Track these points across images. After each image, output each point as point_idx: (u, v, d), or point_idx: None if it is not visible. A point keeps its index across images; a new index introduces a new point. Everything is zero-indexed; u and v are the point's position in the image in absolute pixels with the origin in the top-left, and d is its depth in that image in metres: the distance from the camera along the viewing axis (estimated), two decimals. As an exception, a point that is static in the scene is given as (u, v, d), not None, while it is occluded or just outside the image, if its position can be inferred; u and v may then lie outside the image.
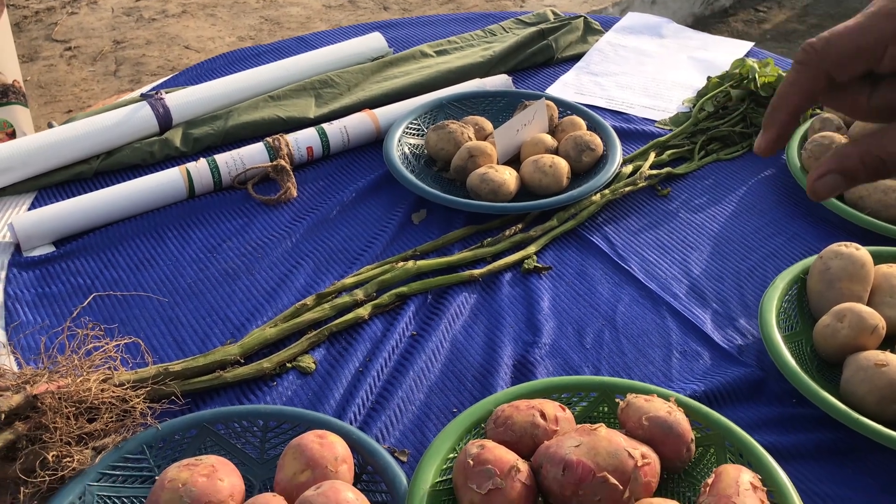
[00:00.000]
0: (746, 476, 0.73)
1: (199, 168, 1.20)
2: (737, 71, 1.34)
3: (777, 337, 0.91)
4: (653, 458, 0.76)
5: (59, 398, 0.80)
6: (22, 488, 0.76)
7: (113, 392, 0.83)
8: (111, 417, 0.82)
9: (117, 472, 0.79)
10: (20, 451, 0.78)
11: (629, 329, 0.98)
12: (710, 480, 0.73)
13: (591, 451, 0.74)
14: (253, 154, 1.23)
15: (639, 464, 0.74)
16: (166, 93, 1.32)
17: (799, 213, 1.16)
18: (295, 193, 1.21)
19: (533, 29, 1.58)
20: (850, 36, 0.51)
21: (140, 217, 1.16)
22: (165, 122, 1.31)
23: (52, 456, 0.77)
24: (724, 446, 0.79)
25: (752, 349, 0.95)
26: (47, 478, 0.76)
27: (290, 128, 1.33)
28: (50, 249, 1.12)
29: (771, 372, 0.91)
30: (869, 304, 0.94)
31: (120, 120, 1.28)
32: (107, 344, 0.87)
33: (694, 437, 0.79)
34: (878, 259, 1.00)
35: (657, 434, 0.78)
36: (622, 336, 0.97)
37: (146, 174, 1.22)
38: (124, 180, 1.23)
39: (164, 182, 1.18)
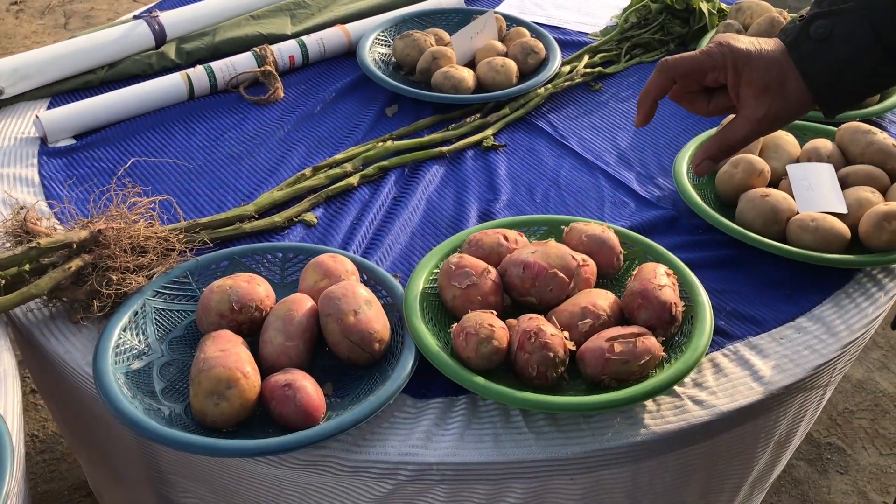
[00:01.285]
0: (662, 268, 0.96)
1: (197, 73, 1.37)
2: (654, -11, 1.57)
3: (687, 183, 1.15)
4: (591, 262, 0.99)
5: (117, 235, 0.98)
6: (95, 301, 0.95)
7: (157, 233, 1.02)
8: (157, 254, 1.01)
9: (167, 292, 0.98)
10: (88, 277, 0.97)
11: (570, 187, 1.21)
12: (634, 273, 0.97)
13: (544, 256, 0.96)
14: (243, 61, 1.41)
15: (580, 264, 0.97)
16: (161, 12, 1.48)
17: (707, 102, 1.40)
18: (282, 94, 1.40)
19: (480, -41, 1.78)
20: (688, 61, 0.85)
21: (149, 115, 1.34)
22: (161, 38, 1.47)
23: (115, 279, 0.96)
24: (645, 258, 1.03)
25: (668, 198, 1.19)
26: (113, 294, 0.95)
27: (270, 42, 1.51)
28: (71, 142, 1.29)
29: (683, 212, 1.15)
30: (759, 156, 1.18)
31: (121, 36, 1.44)
32: (144, 201, 1.05)
33: (621, 252, 1.02)
34: (767, 128, 1.24)
35: (593, 246, 1.01)
36: (564, 193, 1.20)
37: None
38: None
39: (169, 85, 1.35)
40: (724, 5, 1.58)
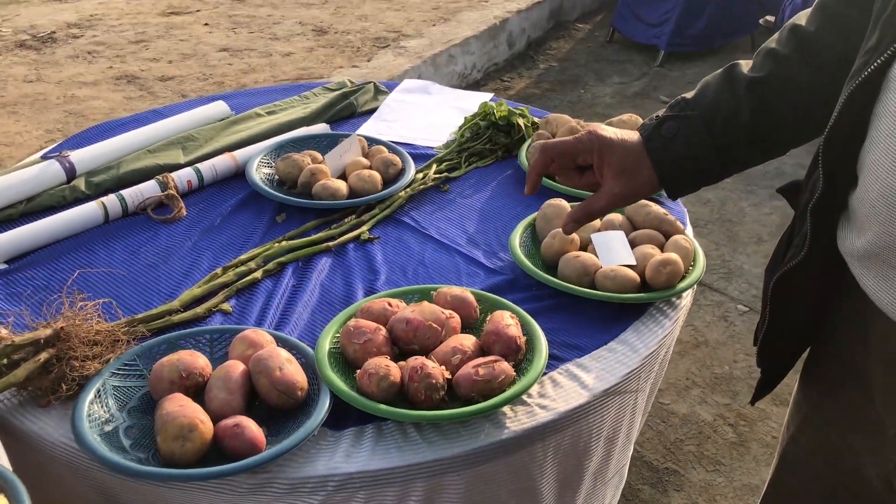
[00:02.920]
0: (507, 314, 1.29)
1: (110, 200, 1.62)
2: (482, 111, 1.97)
3: (521, 254, 1.50)
4: (456, 315, 1.30)
5: (74, 330, 1.21)
6: (63, 385, 1.16)
7: (105, 328, 1.25)
8: (107, 345, 1.24)
9: (120, 373, 1.21)
10: (52, 367, 1.18)
11: (434, 265, 1.53)
12: (488, 319, 1.29)
13: (421, 313, 1.27)
14: (149, 188, 1.67)
15: (448, 317, 1.28)
16: (70, 151, 1.73)
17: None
18: (185, 212, 1.66)
19: (338, 92, 2.14)
20: (563, 144, 1.11)
21: (70, 238, 1.56)
22: (71, 173, 1.71)
23: (77, 365, 1.18)
24: (494, 309, 1.35)
25: (507, 266, 1.53)
26: (77, 377, 1.17)
27: (167, 171, 1.77)
28: (4, 266, 1.49)
29: (519, 275, 1.49)
30: (571, 231, 1.56)
31: (36, 174, 1.67)
32: (88, 303, 1.28)
33: (477, 306, 1.34)
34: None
35: (456, 304, 1.33)
36: (430, 269, 1.52)
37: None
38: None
39: (87, 212, 1.59)
40: (535, 119, 2.00)
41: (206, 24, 5.68)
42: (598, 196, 1.09)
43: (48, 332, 1.19)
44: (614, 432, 1.36)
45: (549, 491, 1.27)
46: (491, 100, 2.09)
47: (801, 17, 1.07)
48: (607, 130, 1.06)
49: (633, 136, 1.05)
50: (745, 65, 1.08)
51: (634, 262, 1.45)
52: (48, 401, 1.18)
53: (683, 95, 1.08)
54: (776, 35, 1.10)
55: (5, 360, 1.15)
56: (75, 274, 1.45)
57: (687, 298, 1.48)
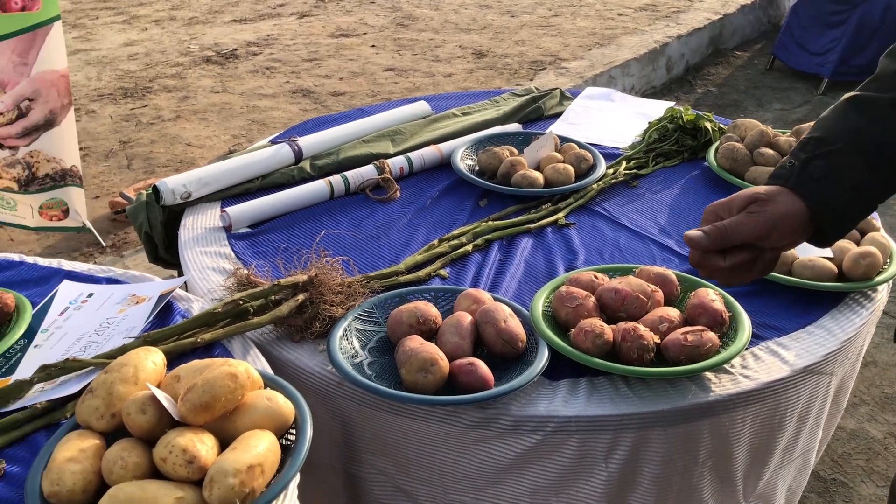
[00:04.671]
0: (712, 291, 1.37)
1: (335, 180, 1.82)
2: (669, 114, 2.07)
3: (715, 242, 1.58)
4: (660, 291, 1.40)
5: (324, 280, 1.38)
6: (316, 324, 1.33)
7: (347, 281, 1.42)
8: (347, 295, 1.41)
9: (361, 318, 1.37)
10: (306, 308, 1.36)
11: (629, 251, 1.64)
12: (692, 295, 1.38)
13: (628, 284, 1.37)
14: (368, 171, 1.86)
15: (653, 290, 1.38)
16: (299, 137, 1.95)
17: (716, 190, 1.85)
18: (399, 194, 1.84)
19: (526, 97, 2.29)
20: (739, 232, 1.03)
21: (301, 210, 1.76)
22: (299, 156, 1.93)
23: (325, 309, 1.36)
24: (694, 289, 1.44)
25: (701, 255, 1.61)
26: (327, 319, 1.34)
27: (379, 159, 1.96)
28: (247, 230, 1.70)
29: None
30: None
31: (271, 155, 1.89)
32: (331, 259, 1.46)
33: (678, 284, 1.43)
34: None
35: (659, 280, 1.42)
36: (625, 254, 1.62)
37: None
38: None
39: (315, 189, 1.79)
40: (721, 125, 2.07)
41: (373, 46, 6.02)
42: (743, 229, 1.05)
43: (304, 277, 1.37)
44: (806, 411, 1.41)
45: (742, 458, 1.34)
46: (674, 106, 2.18)
47: None
48: (772, 203, 1.04)
49: (783, 196, 1.04)
50: (868, 91, 1.08)
51: (831, 255, 1.50)
52: (301, 336, 1.36)
53: (808, 136, 1.07)
54: None
55: (272, 298, 1.34)
56: (321, 234, 1.65)
57: (883, 293, 1.51)
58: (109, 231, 3.61)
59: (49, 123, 3.07)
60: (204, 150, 4.33)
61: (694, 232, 1.06)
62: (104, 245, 3.44)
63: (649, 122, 2.11)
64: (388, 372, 1.29)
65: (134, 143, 4.43)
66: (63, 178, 3.21)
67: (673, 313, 1.34)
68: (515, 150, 1.94)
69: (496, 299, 1.40)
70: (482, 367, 1.22)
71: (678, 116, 2.03)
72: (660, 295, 1.39)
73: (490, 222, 1.69)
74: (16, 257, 1.56)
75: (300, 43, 6.13)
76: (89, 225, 3.31)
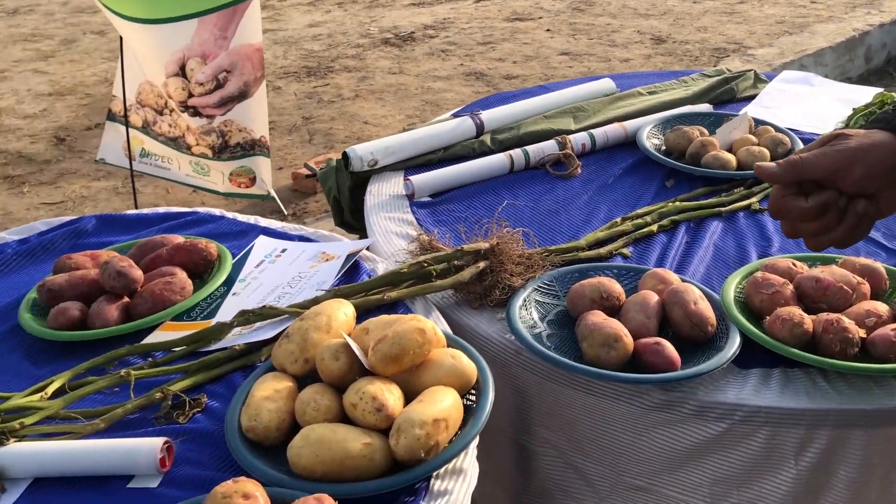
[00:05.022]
0: (926, 287, 1.25)
1: (516, 154, 1.81)
2: (879, 100, 1.91)
3: (932, 236, 1.44)
4: (866, 282, 1.29)
5: (505, 249, 1.38)
6: (496, 292, 1.33)
7: (527, 252, 1.41)
8: (527, 266, 1.40)
9: (540, 290, 1.36)
10: (485, 276, 1.36)
11: (829, 240, 1.52)
12: (904, 289, 1.26)
13: (831, 274, 1.28)
14: (548, 146, 1.84)
15: (859, 282, 1.28)
16: (482, 111, 1.95)
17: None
18: (580, 171, 1.81)
19: (718, 77, 2.18)
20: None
21: (480, 183, 1.77)
22: (480, 129, 1.93)
23: (505, 278, 1.35)
24: (906, 284, 1.32)
25: (913, 250, 1.48)
26: (506, 288, 1.34)
27: (558, 135, 1.93)
28: (428, 199, 1.73)
29: (929, 258, 1.44)
30: None
31: (453, 127, 1.91)
32: (511, 230, 1.45)
33: (887, 278, 1.32)
34: None
35: (865, 272, 1.31)
36: (825, 243, 1.51)
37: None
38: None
39: (495, 162, 1.79)
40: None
41: (548, 30, 5.98)
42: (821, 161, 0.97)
43: (486, 245, 1.37)
44: None
45: (954, 474, 1.22)
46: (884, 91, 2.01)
47: None
48: (858, 137, 0.96)
49: (874, 134, 0.96)
50: None
51: None
52: (480, 303, 1.37)
53: None
54: None
55: (454, 263, 1.35)
56: (502, 205, 1.64)
57: None
58: (290, 200, 3.79)
59: (243, 95, 3.25)
60: (380, 129, 4.46)
61: (766, 163, 0.99)
62: (285, 213, 3.62)
63: (854, 109, 1.95)
64: (567, 345, 1.27)
65: (315, 120, 4.63)
66: (252, 147, 3.40)
67: (881, 308, 1.23)
68: (706, 131, 1.86)
69: (684, 281, 1.34)
70: (669, 347, 1.18)
71: (889, 102, 1.87)
72: (866, 287, 1.28)
73: (677, 203, 1.63)
74: (217, 212, 1.66)
75: (475, 26, 6.17)
76: (273, 193, 3.49)
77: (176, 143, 3.35)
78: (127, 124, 3.26)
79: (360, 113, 4.68)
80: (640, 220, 1.57)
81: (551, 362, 1.19)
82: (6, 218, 3.69)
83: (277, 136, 4.42)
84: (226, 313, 1.31)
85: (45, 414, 1.08)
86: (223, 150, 3.35)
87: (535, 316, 1.32)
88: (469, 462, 1.02)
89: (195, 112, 3.26)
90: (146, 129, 3.34)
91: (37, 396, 1.10)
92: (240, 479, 0.88)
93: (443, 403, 0.98)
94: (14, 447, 1.02)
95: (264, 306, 1.25)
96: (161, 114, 3.31)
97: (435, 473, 0.98)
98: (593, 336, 1.19)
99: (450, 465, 0.99)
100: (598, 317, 1.23)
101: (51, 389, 1.12)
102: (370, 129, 4.47)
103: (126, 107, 3.25)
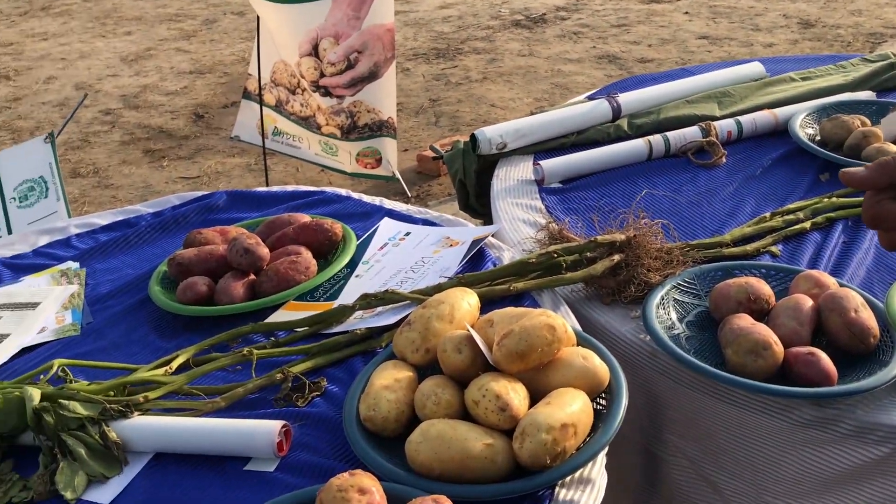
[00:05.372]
0: None
1: (655, 140, 1.70)
2: None
3: None
4: None
5: (641, 242, 1.28)
6: (631, 288, 1.24)
7: (667, 247, 1.31)
8: (666, 262, 1.30)
9: (679, 288, 1.26)
10: (619, 271, 1.27)
11: None
12: None
13: None
14: (691, 133, 1.72)
15: None
16: (619, 93, 1.85)
17: None
18: (725, 160, 1.68)
19: (882, 63, 1.99)
20: None
21: (615, 170, 1.67)
22: (616, 113, 1.83)
23: (641, 274, 1.26)
24: None
25: None
26: (642, 285, 1.25)
27: (700, 122, 1.80)
28: (558, 185, 1.65)
29: None
30: None
31: (588, 110, 1.82)
32: (650, 222, 1.35)
33: None
34: None
35: None
36: None
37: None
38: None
39: (633, 148, 1.69)
40: None
41: (686, 13, 5.72)
42: None
43: (622, 237, 1.28)
44: None
45: None
46: None
47: None
48: None
49: None
50: None
51: None
52: (612, 299, 1.28)
53: None
54: None
55: (586, 255, 1.27)
56: (641, 194, 1.55)
57: None
58: (414, 183, 3.79)
59: (372, 75, 3.26)
60: (507, 112, 4.39)
61: (854, 168, 0.86)
62: (409, 195, 3.61)
63: None
64: (707, 350, 1.17)
65: (442, 102, 4.61)
66: (380, 128, 3.40)
67: None
68: (868, 121, 1.69)
69: (842, 285, 1.21)
70: (825, 359, 1.06)
71: None
72: None
73: (833, 199, 1.48)
74: (344, 192, 1.64)
75: (609, 8, 5.98)
76: (398, 175, 3.49)
77: (307, 122, 3.39)
78: (261, 103, 3.33)
79: (488, 95, 4.62)
80: (791, 216, 1.44)
81: (691, 368, 1.10)
82: (146, 190, 3.87)
83: (404, 117, 4.42)
84: (348, 296, 1.28)
85: (169, 389, 1.08)
86: (351, 131, 3.37)
87: (674, 316, 1.22)
88: (597, 472, 0.95)
89: (326, 92, 3.29)
90: (279, 108, 3.40)
91: (161, 370, 1.11)
92: (356, 473, 0.84)
93: (572, 407, 0.91)
94: (137, 420, 1.02)
95: (386, 290, 1.21)
96: (294, 93, 3.37)
97: (560, 482, 0.91)
98: (739, 342, 1.09)
99: (576, 474, 0.92)
100: (744, 321, 1.12)
101: (175, 364, 1.13)
102: (497, 112, 4.41)
103: (261, 86, 3.32)
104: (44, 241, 1.59)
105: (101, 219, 1.64)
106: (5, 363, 1.22)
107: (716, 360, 1.13)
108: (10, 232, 2.36)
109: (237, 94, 4.16)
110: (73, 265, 1.49)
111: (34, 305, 1.36)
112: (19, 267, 1.50)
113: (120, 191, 3.88)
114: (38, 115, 4.78)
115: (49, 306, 1.35)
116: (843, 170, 0.86)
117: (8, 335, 1.29)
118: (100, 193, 3.87)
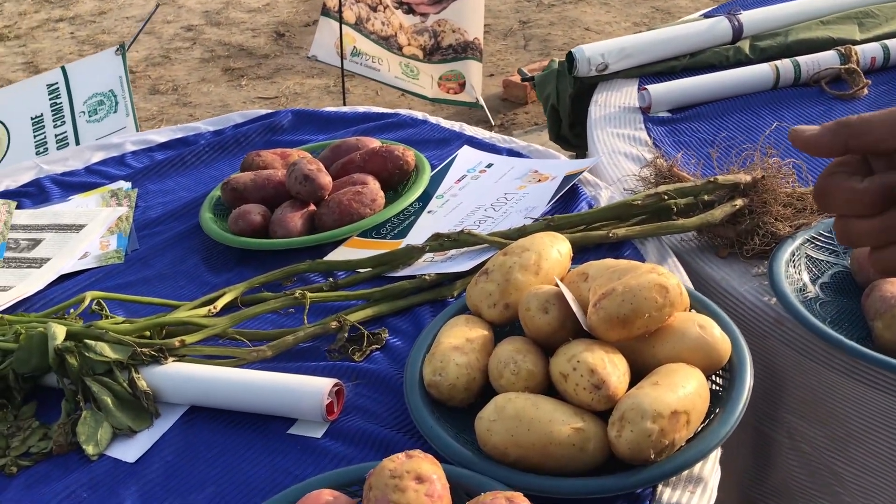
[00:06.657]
0: None
1: (784, 65, 1.46)
2: None
3: None
4: None
5: (770, 186, 1.07)
6: (756, 239, 1.04)
7: (800, 192, 1.09)
8: (797, 209, 1.08)
9: (813, 242, 1.05)
10: (741, 219, 1.07)
11: None
12: None
13: None
14: (827, 59, 1.47)
15: None
16: (742, 11, 1.60)
17: None
18: (866, 91, 1.42)
19: None
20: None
21: (734, 98, 1.44)
22: (738, 34, 1.59)
23: (768, 224, 1.05)
24: None
25: None
26: (768, 236, 1.04)
27: (837, 46, 1.54)
28: (666, 114, 1.43)
29: None
30: None
31: (704, 30, 1.58)
32: (779, 164, 1.13)
33: None
34: None
35: None
36: None
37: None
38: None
39: (757, 74, 1.46)
40: None
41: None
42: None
43: (747, 178, 1.07)
44: None
45: None
46: None
47: None
48: None
49: None
50: None
51: None
52: (730, 252, 1.08)
53: None
54: None
55: (703, 198, 1.07)
56: (770, 127, 1.32)
57: None
58: (499, 110, 3.57)
59: (459, -8, 3.03)
60: (603, 37, 4.08)
61: (807, 126, 0.55)
62: (493, 124, 3.41)
63: None
64: (846, 319, 0.96)
65: (533, 24, 4.33)
66: (465, 50, 3.19)
67: None
68: None
69: None
70: None
71: None
72: None
73: None
74: (420, 115, 1.47)
75: (719, -73, 5.52)
76: (482, 101, 3.29)
77: (387, 42, 3.20)
78: (340, 20, 3.15)
79: (582, 18, 4.32)
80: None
81: (828, 340, 0.90)
82: (224, 110, 3.77)
83: (491, 40, 4.17)
84: (418, 235, 1.12)
85: (210, 333, 0.94)
86: (434, 52, 3.17)
87: (806, 277, 1.01)
88: (710, 469, 0.77)
89: (409, 9, 3.09)
90: (359, 26, 3.21)
91: (204, 310, 0.97)
92: (414, 454, 0.69)
93: (685, 389, 0.73)
94: (171, 368, 0.90)
95: (462, 231, 1.04)
96: (375, 10, 3.17)
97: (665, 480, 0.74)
98: (893, 314, 0.88)
99: (685, 472, 0.75)
100: (899, 288, 0.91)
101: (220, 303, 0.99)
102: (592, 36, 4.11)
103: (340, 2, 3.13)
104: (98, 157, 1.47)
105: (159, 135, 1.51)
106: (40, 291, 1.11)
107: (858, 333, 0.93)
108: (78, 147, 2.28)
109: (318, 12, 3.99)
110: (125, 185, 1.37)
111: (79, 228, 1.24)
112: (70, 185, 1.39)
113: (197, 109, 3.80)
114: (121, 30, 4.72)
115: (94, 229, 1.23)
116: (793, 128, 0.56)
117: (48, 259, 1.18)
118: (178, 111, 3.79)
